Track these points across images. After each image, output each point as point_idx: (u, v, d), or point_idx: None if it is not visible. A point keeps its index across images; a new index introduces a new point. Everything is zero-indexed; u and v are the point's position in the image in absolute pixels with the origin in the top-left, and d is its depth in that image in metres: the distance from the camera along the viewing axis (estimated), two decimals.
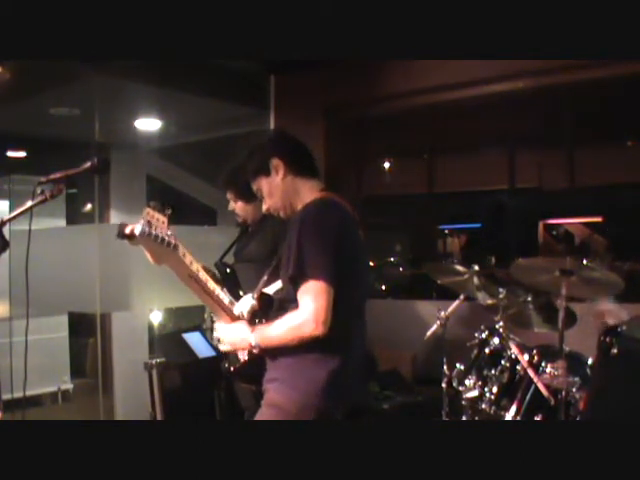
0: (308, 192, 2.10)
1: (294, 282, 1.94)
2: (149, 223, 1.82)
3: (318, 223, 1.94)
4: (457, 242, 7.62)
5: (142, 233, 1.79)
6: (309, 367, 1.93)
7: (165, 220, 3.09)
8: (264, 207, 2.18)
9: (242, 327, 2.06)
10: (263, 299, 2.14)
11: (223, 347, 2.12)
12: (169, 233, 1.89)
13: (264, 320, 2.09)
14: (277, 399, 1.97)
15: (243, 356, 2.17)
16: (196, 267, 2.94)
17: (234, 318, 2.11)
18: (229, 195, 3.16)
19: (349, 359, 2.00)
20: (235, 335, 2.07)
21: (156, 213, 3.12)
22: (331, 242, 1.92)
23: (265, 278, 2.21)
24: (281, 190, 2.11)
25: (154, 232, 1.83)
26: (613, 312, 2.98)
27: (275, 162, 2.10)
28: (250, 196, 2.47)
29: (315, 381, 1.93)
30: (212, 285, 2.92)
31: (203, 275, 2.94)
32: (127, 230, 1.80)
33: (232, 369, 2.12)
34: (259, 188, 2.16)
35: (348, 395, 2.01)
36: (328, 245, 1.91)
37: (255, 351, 2.03)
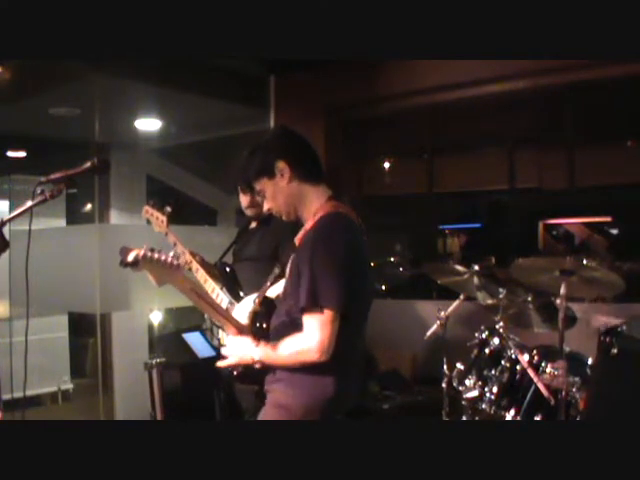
0: (314, 198, 2.03)
1: (303, 310, 1.90)
2: (151, 250, 1.81)
3: (331, 248, 1.88)
4: (457, 242, 7.61)
5: (144, 258, 1.79)
6: (315, 369, 1.91)
7: (164, 219, 3.10)
8: (265, 207, 2.12)
9: (247, 342, 2.04)
10: (265, 303, 2.14)
11: (230, 360, 2.07)
12: (171, 254, 1.87)
13: (264, 324, 2.09)
14: (284, 400, 1.96)
15: None
16: (203, 277, 2.92)
17: (240, 329, 2.10)
18: (242, 184, 3.04)
19: (353, 363, 2.01)
20: (239, 349, 2.05)
21: (155, 211, 3.14)
22: (343, 268, 1.87)
23: (268, 284, 2.19)
24: (286, 194, 2.03)
25: (156, 256, 1.82)
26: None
27: (281, 165, 2.00)
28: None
29: (321, 385, 1.92)
30: (211, 285, 2.92)
31: (210, 285, 2.92)
32: (130, 258, 1.79)
33: (235, 373, 2.11)
34: (262, 189, 2.07)
35: (351, 398, 2.02)
36: (340, 272, 1.86)
37: (257, 366, 2.01)
